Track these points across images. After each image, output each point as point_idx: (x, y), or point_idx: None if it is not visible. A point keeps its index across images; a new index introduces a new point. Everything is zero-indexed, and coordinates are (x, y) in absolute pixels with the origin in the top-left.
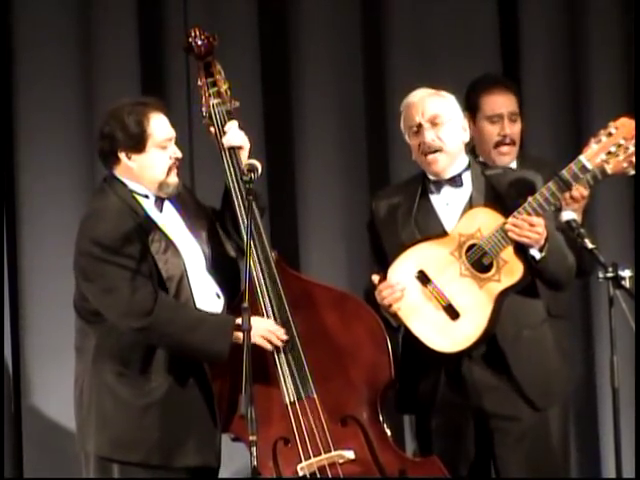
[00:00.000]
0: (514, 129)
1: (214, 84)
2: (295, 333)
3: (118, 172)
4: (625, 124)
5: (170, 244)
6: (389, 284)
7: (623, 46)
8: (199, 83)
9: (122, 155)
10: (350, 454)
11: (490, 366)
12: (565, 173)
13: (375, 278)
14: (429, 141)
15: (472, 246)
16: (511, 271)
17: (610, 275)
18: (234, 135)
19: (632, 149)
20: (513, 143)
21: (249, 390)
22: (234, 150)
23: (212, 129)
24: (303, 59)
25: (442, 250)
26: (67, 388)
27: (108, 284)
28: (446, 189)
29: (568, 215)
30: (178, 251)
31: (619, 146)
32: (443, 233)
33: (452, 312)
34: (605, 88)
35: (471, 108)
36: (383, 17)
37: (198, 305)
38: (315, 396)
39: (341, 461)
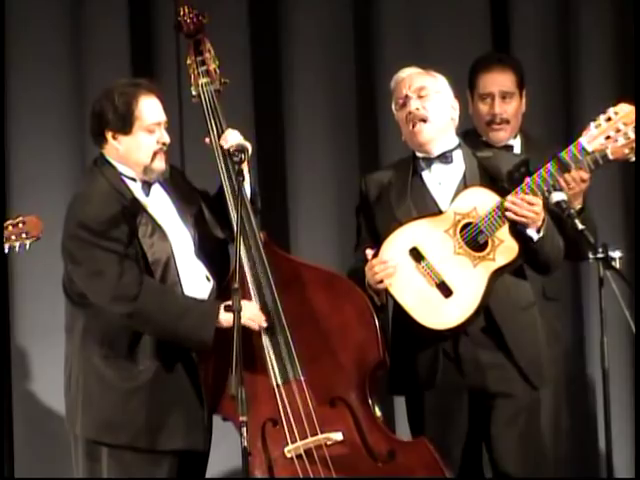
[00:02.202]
0: (505, 108)
1: (203, 62)
2: (283, 315)
3: (106, 152)
4: (624, 109)
5: (157, 227)
6: (382, 260)
7: (615, 29)
8: (188, 61)
9: (109, 135)
10: (338, 436)
11: (487, 344)
12: (564, 155)
13: (369, 253)
14: (414, 110)
15: (467, 225)
16: (506, 250)
17: (600, 256)
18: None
19: (633, 135)
20: (506, 122)
21: (239, 371)
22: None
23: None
24: (293, 40)
25: (436, 228)
26: (58, 371)
27: (95, 268)
28: (437, 166)
29: (558, 196)
30: (165, 234)
31: (618, 131)
32: (438, 212)
33: (445, 289)
34: (596, 70)
35: (470, 86)
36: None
37: (187, 288)
38: (303, 379)
39: (329, 443)
